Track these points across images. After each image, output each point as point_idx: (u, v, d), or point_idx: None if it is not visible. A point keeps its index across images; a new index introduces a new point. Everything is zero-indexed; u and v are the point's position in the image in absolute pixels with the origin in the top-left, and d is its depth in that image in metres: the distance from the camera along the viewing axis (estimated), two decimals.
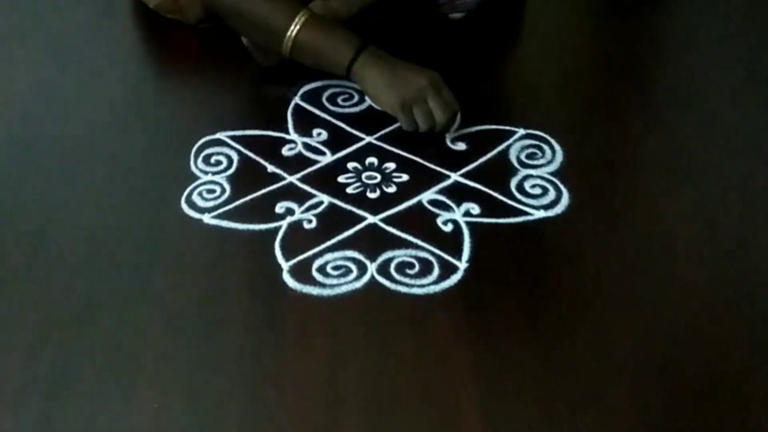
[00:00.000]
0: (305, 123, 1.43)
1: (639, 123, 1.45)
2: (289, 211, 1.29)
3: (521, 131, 1.42)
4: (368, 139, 1.41)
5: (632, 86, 1.52)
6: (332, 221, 1.28)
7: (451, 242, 1.25)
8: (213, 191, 1.32)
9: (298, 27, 1.37)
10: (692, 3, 1.71)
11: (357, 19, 1.48)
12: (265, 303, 1.18)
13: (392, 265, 1.22)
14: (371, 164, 1.37)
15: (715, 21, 1.66)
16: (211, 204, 1.30)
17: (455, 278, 1.20)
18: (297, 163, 1.37)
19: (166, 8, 1.58)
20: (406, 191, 1.32)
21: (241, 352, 1.12)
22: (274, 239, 1.25)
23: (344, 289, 1.19)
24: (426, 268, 1.21)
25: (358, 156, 1.38)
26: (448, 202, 1.31)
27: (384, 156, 1.38)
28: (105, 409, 1.06)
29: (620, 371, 1.10)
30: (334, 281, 1.20)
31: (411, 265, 1.22)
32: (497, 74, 1.55)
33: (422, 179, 1.34)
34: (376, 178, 1.34)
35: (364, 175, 1.35)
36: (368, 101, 1.46)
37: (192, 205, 1.30)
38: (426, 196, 1.32)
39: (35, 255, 1.24)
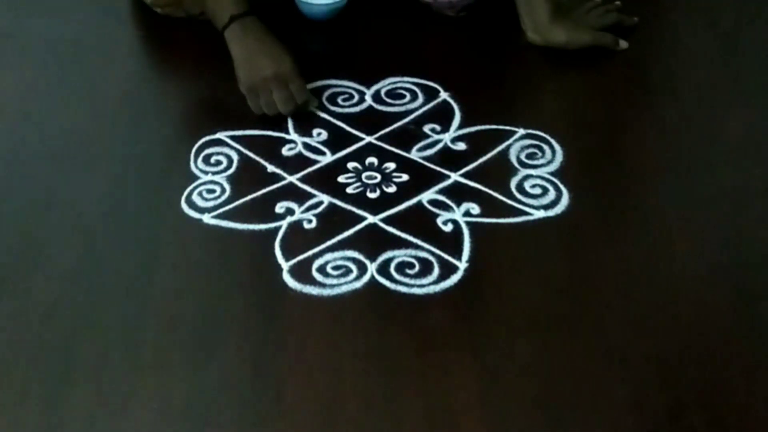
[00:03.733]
0: (305, 123, 1.43)
1: (639, 123, 1.45)
2: (289, 211, 1.29)
3: (521, 131, 1.42)
4: (368, 139, 1.41)
5: (632, 86, 1.52)
6: (332, 221, 1.28)
7: (451, 242, 1.25)
8: (213, 191, 1.32)
9: None
10: (693, 4, 1.71)
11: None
12: (265, 303, 1.19)
13: (392, 265, 1.22)
14: (371, 164, 1.36)
15: (715, 22, 1.66)
16: (211, 204, 1.30)
17: (455, 278, 1.20)
18: (297, 163, 1.37)
19: (163, 2, 1.58)
20: (406, 191, 1.32)
21: (241, 352, 1.12)
22: (274, 239, 1.25)
23: (344, 289, 1.19)
24: (426, 268, 1.21)
25: (358, 156, 1.38)
26: (448, 202, 1.31)
27: (384, 156, 1.38)
28: (105, 409, 1.06)
29: (621, 370, 1.10)
30: (334, 281, 1.20)
31: (411, 265, 1.22)
32: (497, 74, 1.55)
33: (422, 179, 1.34)
34: (376, 178, 1.34)
35: (364, 175, 1.35)
36: (368, 101, 1.47)
37: (192, 205, 1.30)
38: (426, 196, 1.32)
39: (35, 256, 1.24)
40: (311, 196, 1.32)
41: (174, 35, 1.60)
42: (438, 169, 1.36)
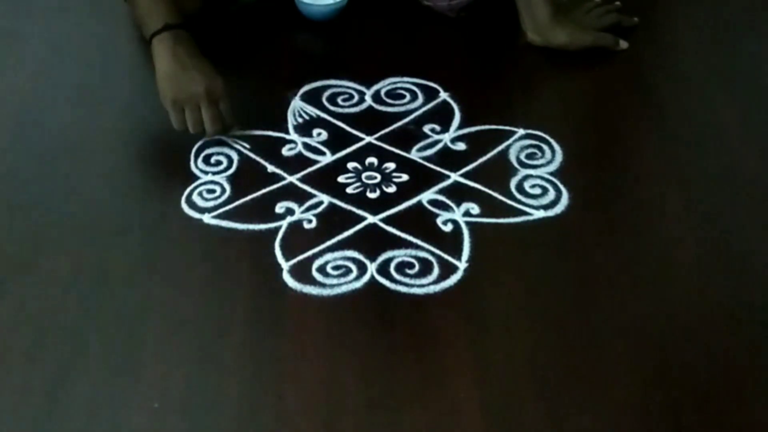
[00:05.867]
0: (305, 123, 1.44)
1: (639, 123, 1.45)
2: (289, 211, 1.29)
3: (521, 131, 1.42)
4: (368, 139, 1.41)
5: (632, 86, 1.52)
6: (332, 221, 1.28)
7: (451, 242, 1.25)
8: (213, 191, 1.32)
9: None
10: (693, 4, 1.71)
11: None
12: (265, 303, 1.19)
13: (392, 265, 1.22)
14: (371, 164, 1.37)
15: (715, 22, 1.66)
16: (211, 204, 1.30)
17: (455, 278, 1.20)
18: (297, 163, 1.37)
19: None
20: (406, 191, 1.32)
21: (241, 352, 1.13)
22: (274, 239, 1.25)
23: (344, 289, 1.19)
24: (426, 268, 1.21)
25: (358, 156, 1.38)
26: (448, 202, 1.31)
27: (384, 156, 1.38)
28: (105, 409, 1.06)
29: (620, 370, 1.10)
30: (334, 281, 1.20)
31: (411, 265, 1.22)
32: (497, 74, 1.55)
33: (422, 179, 1.34)
34: (376, 178, 1.34)
35: (364, 175, 1.35)
36: (368, 101, 1.47)
37: (192, 205, 1.30)
38: (426, 196, 1.32)
39: (36, 256, 1.24)
40: (311, 196, 1.32)
41: None
42: (438, 169, 1.36)
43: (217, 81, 1.35)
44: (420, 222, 1.28)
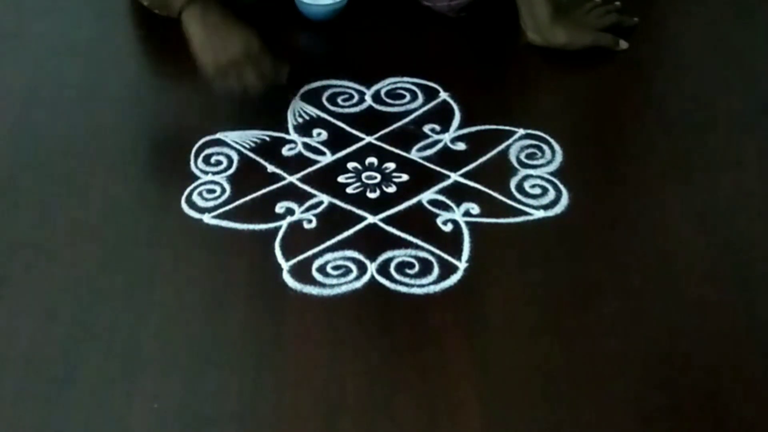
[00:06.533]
0: (305, 123, 1.44)
1: (639, 123, 1.45)
2: (289, 211, 1.29)
3: (521, 131, 1.42)
4: (368, 139, 1.41)
5: (632, 86, 1.52)
6: (332, 221, 1.28)
7: (451, 242, 1.25)
8: (213, 191, 1.32)
9: None
10: (694, 3, 1.71)
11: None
12: (265, 303, 1.19)
13: (392, 265, 1.22)
14: (371, 164, 1.37)
15: (715, 22, 1.66)
16: (211, 204, 1.30)
17: (455, 278, 1.20)
18: (297, 163, 1.37)
19: (156, 3, 1.58)
20: (406, 191, 1.32)
21: (241, 352, 1.13)
22: (274, 239, 1.25)
23: (344, 289, 1.19)
24: (426, 268, 1.22)
25: (358, 156, 1.38)
26: (448, 202, 1.31)
27: (384, 156, 1.38)
28: (105, 409, 1.06)
29: (621, 370, 1.10)
30: (334, 281, 1.20)
31: (411, 265, 1.22)
32: (497, 74, 1.55)
33: (422, 179, 1.34)
34: (376, 178, 1.34)
35: (364, 175, 1.35)
36: (368, 101, 1.47)
37: (192, 205, 1.30)
38: (426, 196, 1.32)
39: (36, 255, 1.24)
40: (311, 196, 1.32)
41: (173, 35, 1.59)
42: (438, 169, 1.36)
43: (253, 39, 1.34)
44: (420, 222, 1.28)
